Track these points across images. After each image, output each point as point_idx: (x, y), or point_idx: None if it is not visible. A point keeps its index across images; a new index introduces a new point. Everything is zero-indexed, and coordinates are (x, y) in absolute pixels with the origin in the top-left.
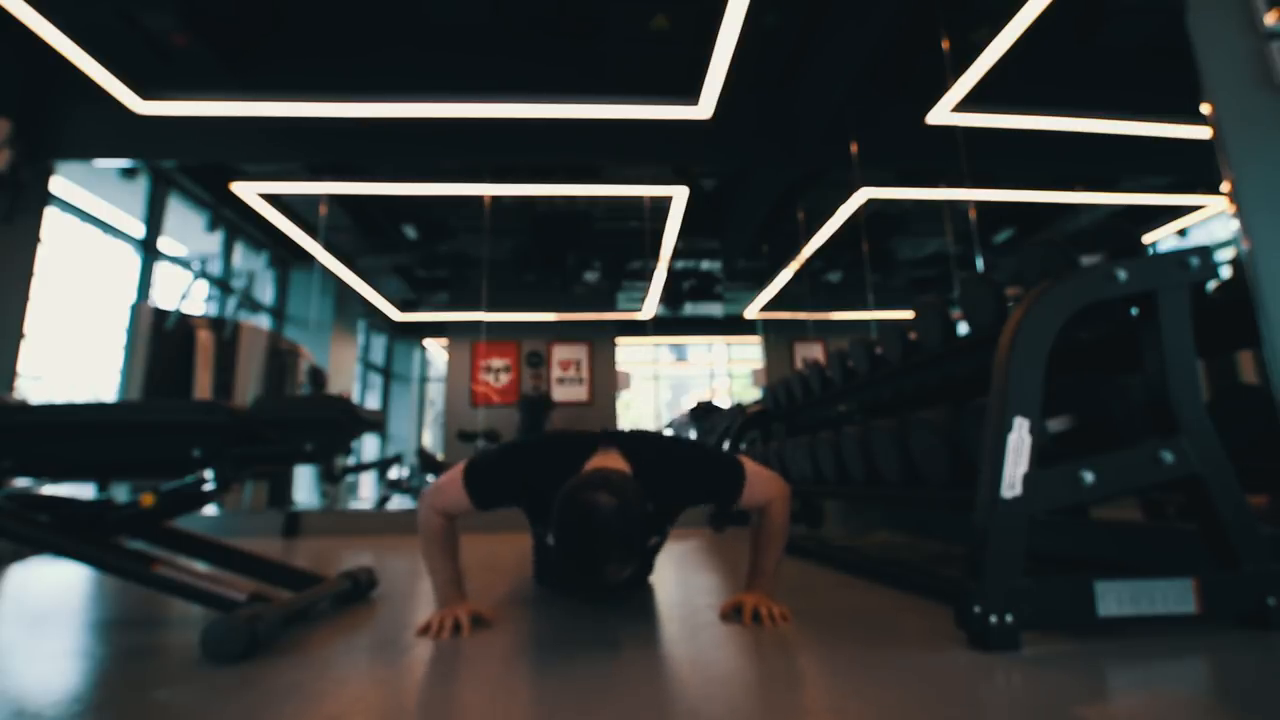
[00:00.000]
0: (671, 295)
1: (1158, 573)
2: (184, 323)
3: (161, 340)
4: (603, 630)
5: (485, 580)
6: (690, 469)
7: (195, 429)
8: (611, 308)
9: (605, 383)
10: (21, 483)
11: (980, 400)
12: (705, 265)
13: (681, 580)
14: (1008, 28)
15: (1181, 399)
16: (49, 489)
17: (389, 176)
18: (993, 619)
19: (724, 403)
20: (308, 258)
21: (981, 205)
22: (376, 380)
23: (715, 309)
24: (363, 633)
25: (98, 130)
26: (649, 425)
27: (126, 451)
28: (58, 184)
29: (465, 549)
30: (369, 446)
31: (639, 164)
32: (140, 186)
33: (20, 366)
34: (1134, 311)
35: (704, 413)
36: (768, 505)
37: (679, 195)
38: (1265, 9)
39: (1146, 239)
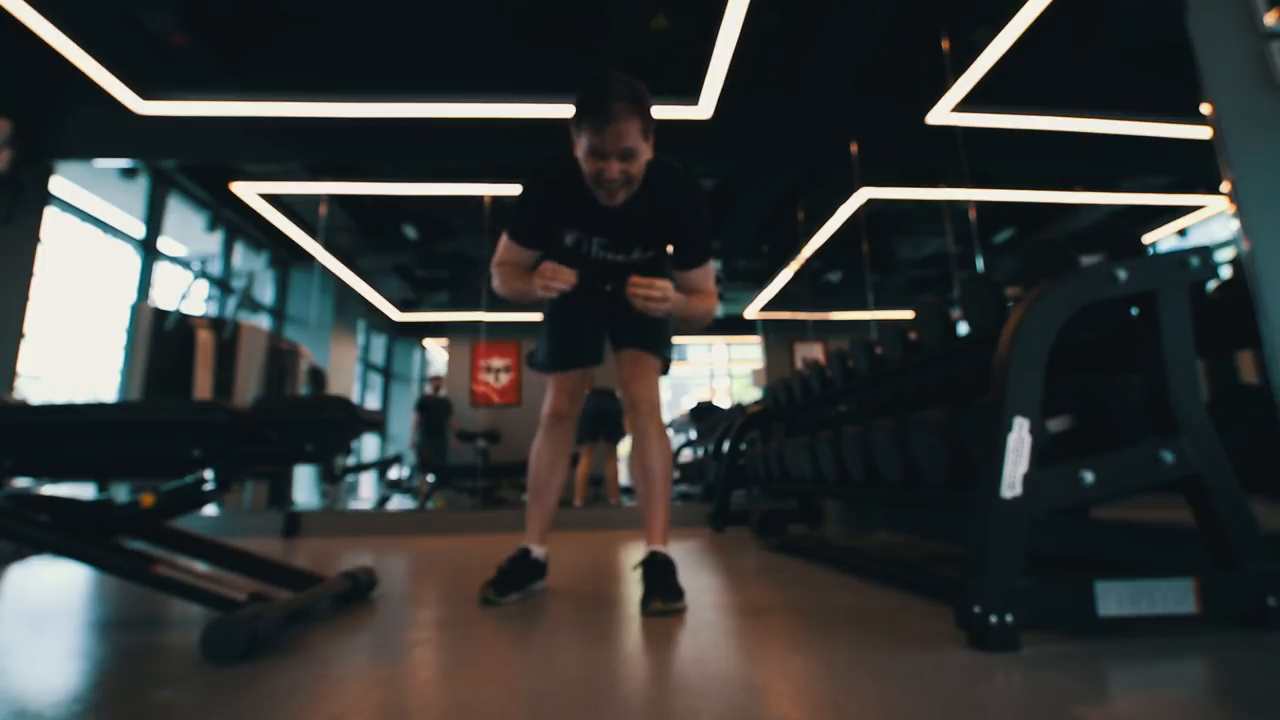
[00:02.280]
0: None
1: (1158, 573)
2: (184, 323)
3: (161, 340)
4: (603, 630)
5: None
6: (690, 197)
7: (195, 429)
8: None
9: (605, 383)
10: (21, 483)
11: (980, 400)
12: None
13: (681, 581)
14: (1007, 28)
15: (1181, 399)
16: (49, 489)
17: (389, 176)
18: (993, 619)
19: (724, 403)
20: (308, 258)
21: (981, 205)
22: (376, 380)
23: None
24: (363, 633)
25: (98, 130)
26: None
27: (126, 451)
28: (58, 184)
29: (466, 548)
30: (369, 446)
31: None
32: (140, 186)
33: (20, 366)
34: (1134, 311)
35: (704, 413)
36: (711, 296)
37: None
38: (1265, 9)
39: (1146, 239)
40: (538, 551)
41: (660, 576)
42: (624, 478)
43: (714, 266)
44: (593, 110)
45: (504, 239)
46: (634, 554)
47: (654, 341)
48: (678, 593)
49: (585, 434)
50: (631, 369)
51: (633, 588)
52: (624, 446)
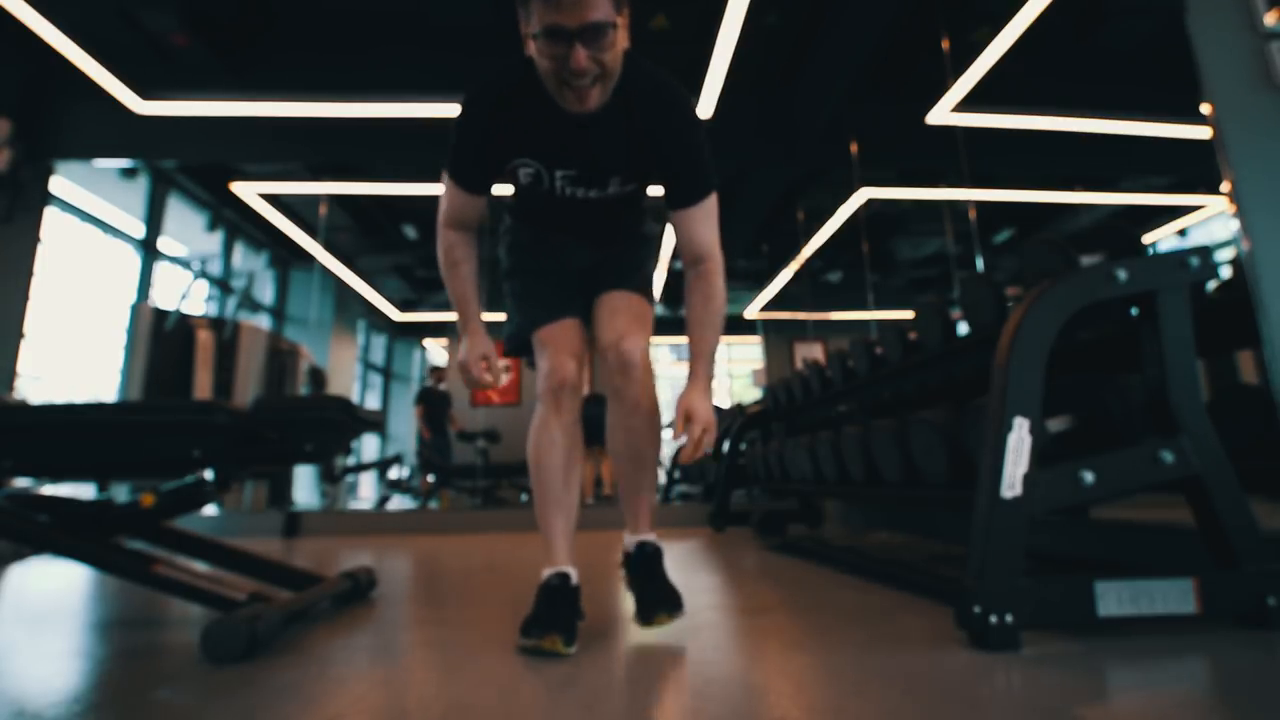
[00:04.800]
0: (671, 295)
1: (1158, 573)
2: (184, 323)
3: (161, 340)
4: (605, 630)
5: (485, 580)
6: (677, 105)
7: (195, 429)
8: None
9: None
10: (21, 483)
11: (980, 400)
12: None
13: (681, 581)
14: (1008, 28)
15: (1181, 399)
16: (49, 489)
17: (389, 176)
18: (993, 619)
19: (724, 403)
20: (308, 258)
21: (981, 205)
22: (376, 380)
23: None
24: (362, 633)
25: (98, 130)
26: None
27: (126, 451)
28: (58, 184)
29: (465, 548)
30: (369, 446)
31: None
32: (140, 186)
33: (20, 366)
34: (1134, 311)
35: None
36: (709, 255)
37: None
38: (1265, 9)
39: (1146, 239)
40: (573, 574)
41: (654, 575)
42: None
43: (715, 204)
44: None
45: (445, 180)
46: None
47: (638, 278)
48: (677, 598)
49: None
50: (613, 317)
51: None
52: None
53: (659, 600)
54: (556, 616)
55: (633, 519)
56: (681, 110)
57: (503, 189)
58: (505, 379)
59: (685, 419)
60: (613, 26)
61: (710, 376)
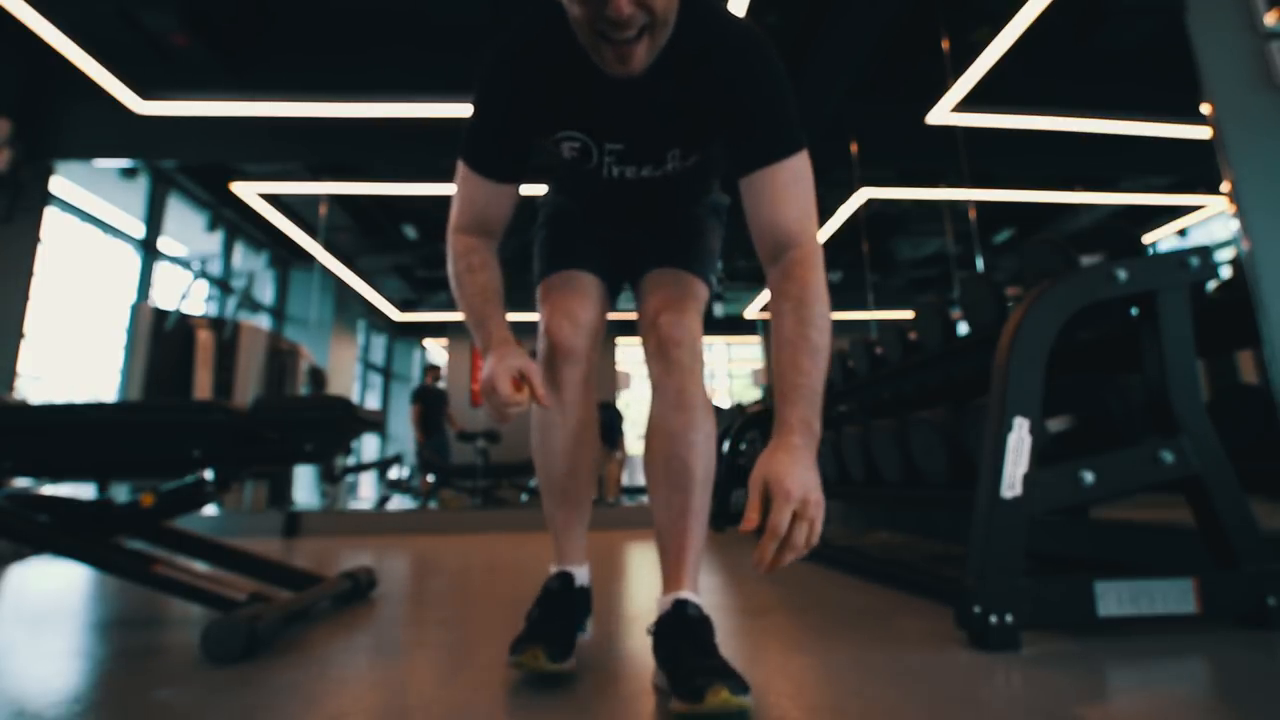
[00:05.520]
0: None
1: (1158, 573)
2: (184, 323)
3: (161, 340)
4: (604, 629)
5: (486, 580)
6: (750, 46)
7: (195, 429)
8: (611, 308)
9: (605, 382)
10: (21, 483)
11: (980, 400)
12: None
13: None
14: (1008, 28)
15: (1181, 399)
16: (49, 489)
17: (389, 176)
18: (993, 619)
19: (724, 403)
20: (308, 258)
21: (981, 205)
22: (376, 380)
23: (715, 308)
24: (363, 633)
25: (98, 130)
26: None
27: (126, 451)
28: (58, 184)
29: (465, 548)
30: (369, 446)
31: None
32: (140, 186)
33: (20, 366)
34: (1134, 311)
35: None
36: (796, 239)
37: None
38: (1265, 9)
39: (1146, 239)
40: (581, 575)
41: (702, 647)
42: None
43: (807, 170)
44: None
45: (461, 172)
46: (636, 554)
47: (695, 257)
48: (737, 674)
49: None
50: (655, 291)
51: (636, 589)
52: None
53: (713, 671)
54: (546, 628)
55: (668, 565)
56: (757, 58)
57: (532, 189)
58: (550, 398)
59: (763, 493)
60: None
61: (812, 433)
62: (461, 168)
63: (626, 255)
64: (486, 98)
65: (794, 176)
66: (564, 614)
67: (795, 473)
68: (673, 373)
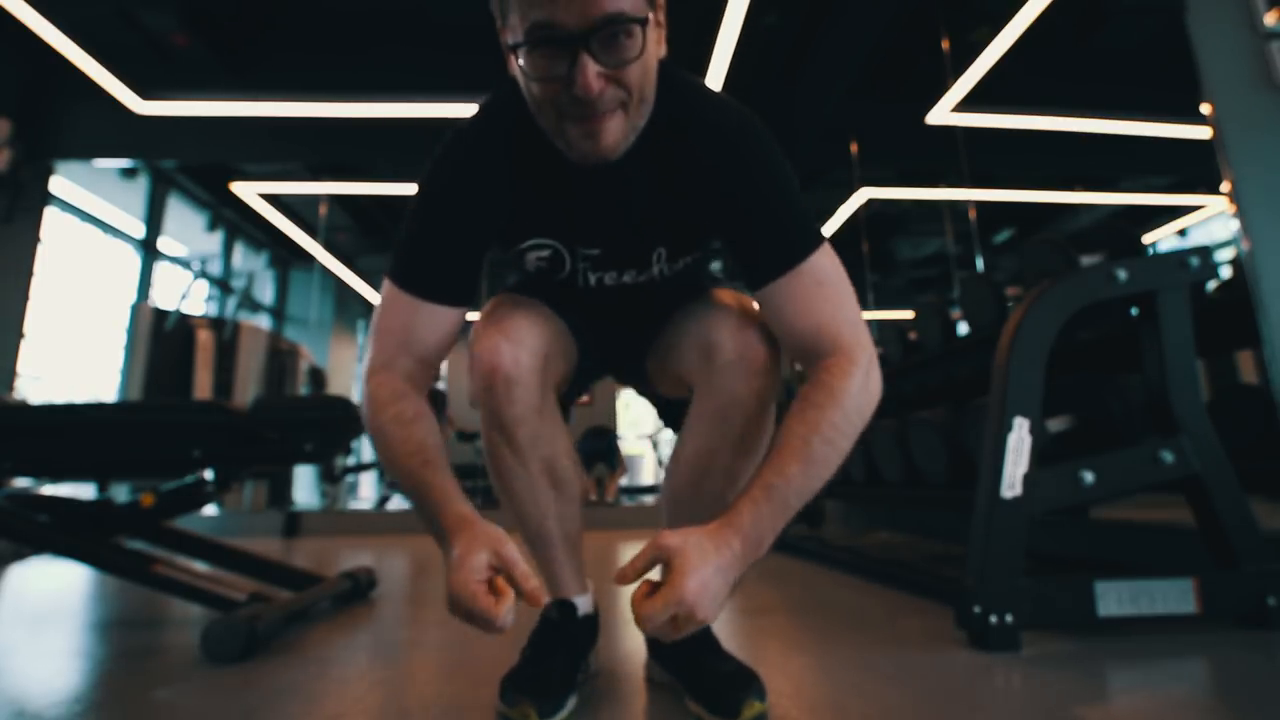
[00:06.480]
0: None
1: (1158, 573)
2: (184, 323)
3: (161, 340)
4: (605, 630)
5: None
6: (758, 157)
7: (195, 429)
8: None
9: (605, 382)
10: (21, 483)
11: (980, 400)
12: None
13: None
14: (1008, 28)
15: (1181, 399)
16: (49, 489)
17: (389, 176)
18: (993, 619)
19: None
20: (308, 258)
21: (981, 205)
22: None
23: None
24: (363, 633)
25: (98, 130)
26: (649, 426)
27: (126, 451)
28: (58, 184)
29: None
30: (369, 446)
31: None
32: (140, 186)
33: (20, 366)
34: (1134, 311)
35: None
36: (834, 345)
37: None
38: (1265, 9)
39: (1146, 239)
40: (582, 602)
41: (712, 647)
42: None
43: (833, 265)
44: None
45: (387, 295)
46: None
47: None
48: (758, 680)
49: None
50: (710, 320)
51: (635, 589)
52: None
53: (737, 681)
54: (541, 670)
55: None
56: (752, 152)
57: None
58: (541, 592)
59: (657, 561)
60: (639, 23)
61: (757, 550)
62: (388, 290)
63: (610, 346)
64: (430, 204)
65: (816, 279)
66: (562, 650)
67: (710, 586)
68: (738, 372)
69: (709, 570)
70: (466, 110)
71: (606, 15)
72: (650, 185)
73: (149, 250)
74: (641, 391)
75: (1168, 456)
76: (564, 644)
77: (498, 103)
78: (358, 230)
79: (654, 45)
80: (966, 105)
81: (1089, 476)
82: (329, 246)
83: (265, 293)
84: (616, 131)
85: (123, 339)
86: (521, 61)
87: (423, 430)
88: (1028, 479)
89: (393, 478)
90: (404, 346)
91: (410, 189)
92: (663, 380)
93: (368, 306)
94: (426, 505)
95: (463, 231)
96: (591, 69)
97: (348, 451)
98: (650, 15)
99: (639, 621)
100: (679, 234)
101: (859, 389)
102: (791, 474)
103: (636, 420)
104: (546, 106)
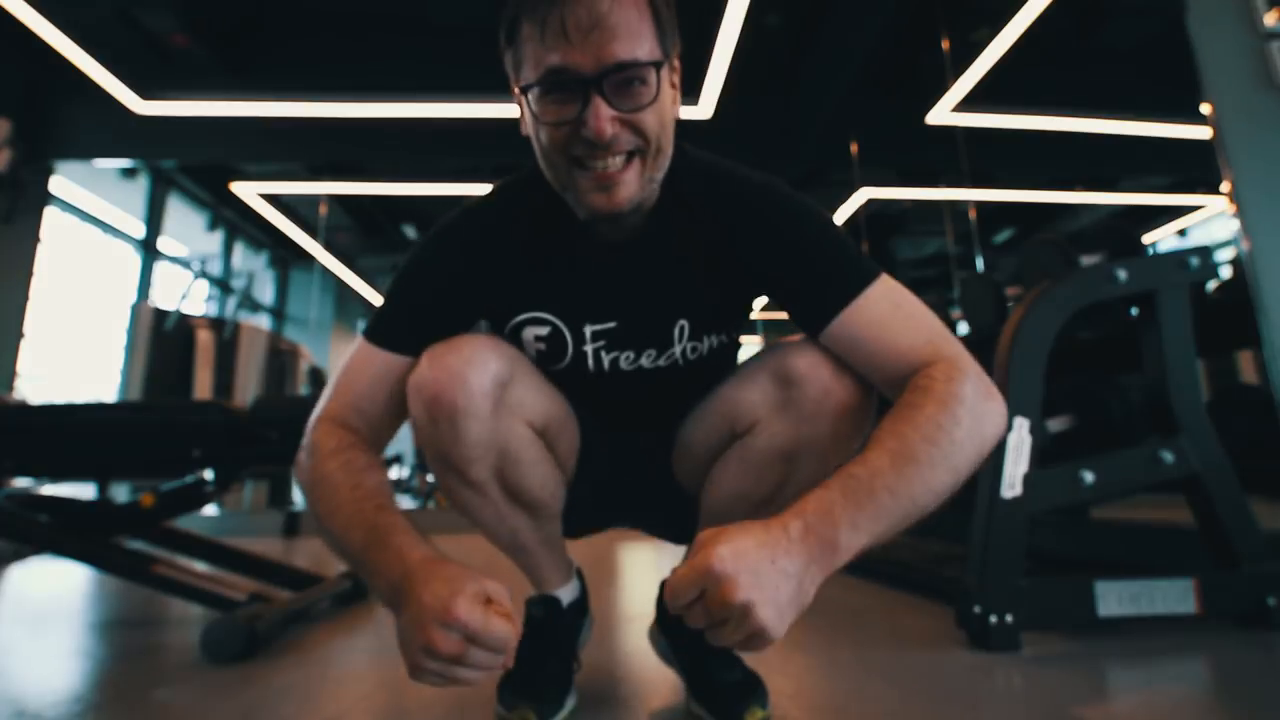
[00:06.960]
0: None
1: (1158, 573)
2: (184, 323)
3: (161, 340)
4: (604, 628)
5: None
6: (792, 221)
7: (195, 429)
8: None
9: None
10: (21, 483)
11: None
12: None
13: None
14: (1008, 28)
15: (1181, 399)
16: (49, 489)
17: (389, 176)
18: (993, 619)
19: None
20: (308, 258)
21: (981, 205)
22: None
23: None
24: (363, 633)
25: (98, 130)
26: None
27: (126, 451)
28: (58, 184)
29: (465, 548)
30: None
31: None
32: (140, 186)
33: (20, 366)
34: (1134, 311)
35: None
36: (926, 355)
37: None
38: (1265, 9)
39: (1146, 239)
40: (566, 592)
41: (715, 660)
42: None
43: (904, 292)
44: None
45: (359, 350)
46: (635, 554)
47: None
48: (761, 681)
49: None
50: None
51: (635, 589)
52: None
53: (742, 688)
54: (535, 672)
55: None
56: (774, 206)
57: None
58: (512, 637)
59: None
60: (655, 67)
61: (821, 540)
62: (362, 346)
63: (627, 458)
64: (419, 269)
65: (893, 301)
66: (554, 649)
67: (749, 560)
68: (814, 388)
69: (748, 542)
70: (466, 110)
71: (620, 60)
72: (669, 255)
73: (149, 250)
74: (659, 534)
75: (1168, 456)
76: (551, 642)
77: (509, 181)
78: (358, 230)
79: (669, 93)
80: (966, 105)
81: (1089, 476)
82: (329, 246)
83: (265, 293)
84: (632, 184)
85: (123, 339)
86: (533, 106)
87: (376, 478)
88: (1028, 479)
89: (331, 529)
90: (360, 397)
91: (410, 188)
92: (696, 445)
93: (368, 306)
94: (384, 550)
95: (447, 299)
96: (604, 112)
97: None
98: (667, 64)
99: (668, 597)
100: (702, 307)
101: (971, 393)
102: (878, 466)
103: None
104: (557, 156)
